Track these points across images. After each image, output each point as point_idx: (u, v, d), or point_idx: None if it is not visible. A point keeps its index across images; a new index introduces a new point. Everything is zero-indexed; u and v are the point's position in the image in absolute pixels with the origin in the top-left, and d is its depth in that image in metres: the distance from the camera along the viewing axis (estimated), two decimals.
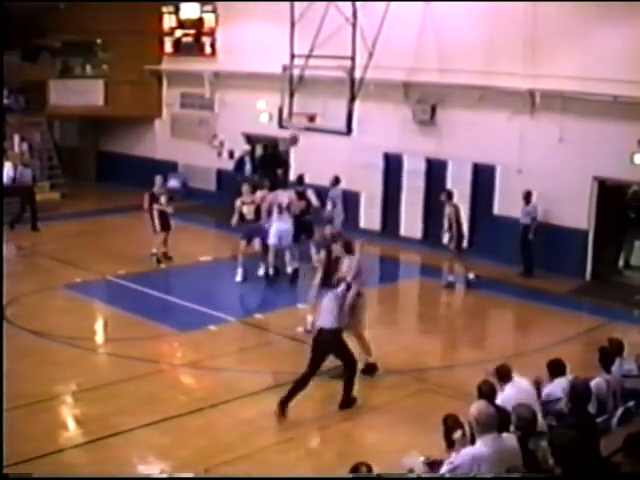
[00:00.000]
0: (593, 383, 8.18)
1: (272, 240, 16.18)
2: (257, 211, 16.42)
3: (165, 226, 17.40)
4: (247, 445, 9.47)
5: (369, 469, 6.18)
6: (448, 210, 16.45)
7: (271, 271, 16.30)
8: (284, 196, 16.56)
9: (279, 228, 16.15)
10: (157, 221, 17.22)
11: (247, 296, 16.30)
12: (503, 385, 8.26)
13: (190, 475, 5.74)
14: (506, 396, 8.05)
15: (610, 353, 8.75)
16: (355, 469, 6.21)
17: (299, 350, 13.32)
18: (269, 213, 16.19)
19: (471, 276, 16.46)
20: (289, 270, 16.38)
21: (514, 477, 5.33)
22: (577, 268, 16.89)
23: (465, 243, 16.85)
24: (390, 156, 19.92)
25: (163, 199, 17.41)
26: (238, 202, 16.58)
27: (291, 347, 13.51)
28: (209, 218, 21.74)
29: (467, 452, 6.32)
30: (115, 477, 8.79)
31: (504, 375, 8.38)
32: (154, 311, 14.68)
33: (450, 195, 16.67)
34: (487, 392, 7.67)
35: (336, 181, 18.31)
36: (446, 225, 16.51)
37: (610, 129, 16.10)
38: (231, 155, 23.46)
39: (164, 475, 8.79)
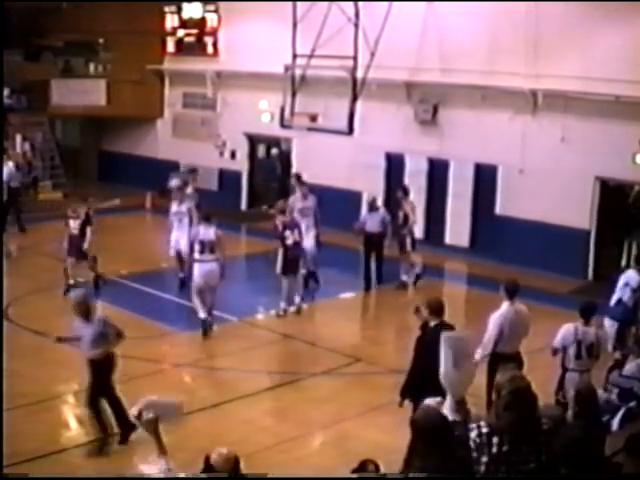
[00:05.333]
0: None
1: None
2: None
3: (71, 251, 15.37)
4: (248, 445, 9.43)
5: (376, 467, 6.13)
6: (407, 207, 16.28)
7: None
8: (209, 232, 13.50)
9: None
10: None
11: (248, 296, 16.28)
12: (506, 302, 9.70)
13: (190, 475, 5.72)
14: (502, 313, 9.63)
15: None
16: (362, 466, 6.15)
17: (300, 350, 13.37)
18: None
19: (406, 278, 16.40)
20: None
21: (512, 477, 5.31)
22: (579, 268, 16.86)
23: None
24: (392, 156, 19.89)
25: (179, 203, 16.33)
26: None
27: (292, 347, 13.53)
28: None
29: None
30: (113, 477, 8.78)
31: (512, 291, 9.75)
32: (155, 311, 14.68)
33: (406, 191, 16.63)
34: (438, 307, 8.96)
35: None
36: (401, 222, 16.25)
37: (612, 129, 16.08)
38: (233, 155, 23.48)
39: (164, 475, 8.77)
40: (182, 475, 5.70)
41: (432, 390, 8.14)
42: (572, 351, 9.40)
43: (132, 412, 5.54)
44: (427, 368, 8.36)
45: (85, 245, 15.32)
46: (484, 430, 5.35)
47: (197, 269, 13.17)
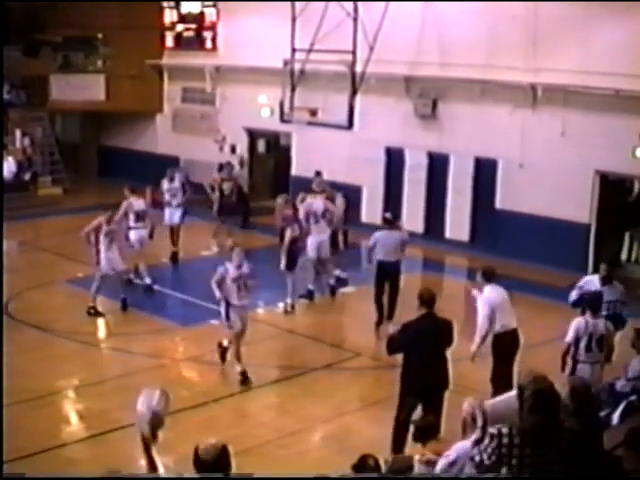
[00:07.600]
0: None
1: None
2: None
3: None
4: (249, 440, 9.46)
5: (376, 462, 6.13)
6: (342, 206, 15.99)
7: None
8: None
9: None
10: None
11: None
12: (486, 285, 10.12)
13: (190, 475, 5.74)
14: (487, 294, 10.13)
15: None
16: (362, 461, 6.15)
17: (301, 345, 13.38)
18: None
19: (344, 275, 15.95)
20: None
21: (514, 477, 5.29)
22: (579, 262, 16.85)
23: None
24: (392, 150, 19.87)
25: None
26: None
27: (293, 342, 13.54)
28: (211, 212, 21.66)
29: (463, 445, 6.25)
30: (111, 477, 8.77)
31: (489, 275, 10.33)
32: (156, 306, 14.69)
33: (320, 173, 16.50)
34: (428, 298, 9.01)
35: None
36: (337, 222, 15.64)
37: (612, 123, 16.07)
38: (233, 150, 23.45)
39: (164, 474, 8.78)
40: (158, 475, 5.62)
41: (413, 376, 8.75)
42: (583, 344, 9.39)
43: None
44: (408, 356, 8.94)
45: None
46: (504, 431, 5.28)
47: (133, 235, 15.26)
